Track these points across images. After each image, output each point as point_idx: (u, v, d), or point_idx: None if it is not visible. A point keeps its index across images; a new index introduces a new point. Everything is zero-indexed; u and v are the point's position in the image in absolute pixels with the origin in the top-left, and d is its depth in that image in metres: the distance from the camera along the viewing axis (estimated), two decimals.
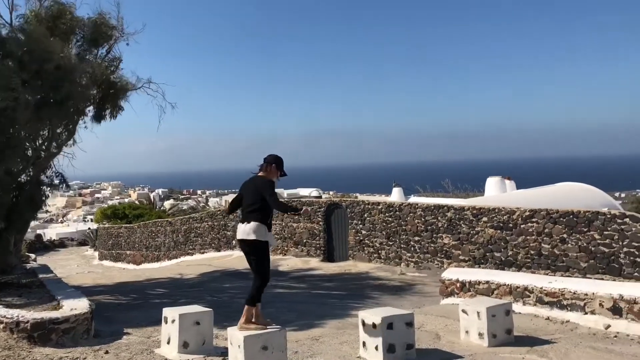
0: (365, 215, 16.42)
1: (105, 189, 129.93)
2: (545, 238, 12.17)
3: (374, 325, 5.90)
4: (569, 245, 11.75)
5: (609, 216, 11.28)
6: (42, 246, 39.97)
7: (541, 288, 7.87)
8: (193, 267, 18.78)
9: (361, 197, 28.40)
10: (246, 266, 18.29)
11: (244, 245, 5.63)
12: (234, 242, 21.20)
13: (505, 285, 8.29)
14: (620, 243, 11.00)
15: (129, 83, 12.03)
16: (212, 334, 6.62)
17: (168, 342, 6.44)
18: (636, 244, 10.72)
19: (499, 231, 13.02)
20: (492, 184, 21.12)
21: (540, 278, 8.58)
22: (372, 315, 6.01)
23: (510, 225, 12.79)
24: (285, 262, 17.51)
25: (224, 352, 6.13)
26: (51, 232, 48.65)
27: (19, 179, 10.99)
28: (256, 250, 5.60)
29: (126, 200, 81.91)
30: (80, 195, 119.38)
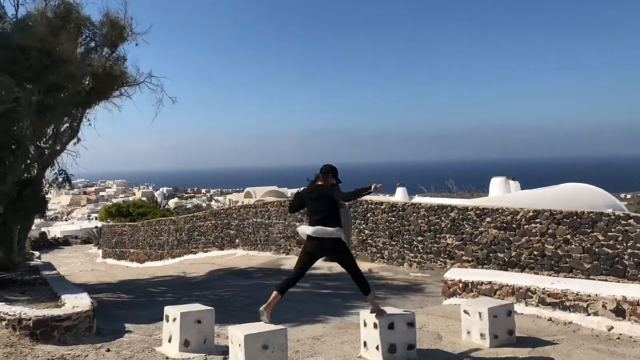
0: (369, 214, 16.40)
1: (109, 187, 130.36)
2: (548, 239, 12.13)
3: (375, 325, 5.90)
4: (573, 246, 11.71)
5: (613, 217, 11.23)
6: (47, 244, 40.11)
7: (544, 289, 7.84)
8: (196, 265, 18.81)
9: (365, 197, 28.36)
10: (248, 265, 18.40)
11: (328, 245, 5.98)
12: (236, 240, 21.24)
13: (507, 285, 8.26)
14: (625, 244, 10.95)
15: (130, 76, 12.02)
16: (214, 332, 6.63)
17: (169, 341, 6.46)
18: None
19: (502, 232, 12.99)
20: (496, 184, 21.07)
21: (543, 279, 8.55)
22: (373, 314, 6.01)
23: (514, 225, 12.76)
24: (288, 261, 17.51)
25: (225, 350, 6.14)
26: (56, 230, 48.81)
27: (22, 177, 11.03)
28: (346, 250, 6.20)
29: (130, 198, 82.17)
30: (85, 193, 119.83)
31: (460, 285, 8.89)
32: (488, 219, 13.30)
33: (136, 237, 28.49)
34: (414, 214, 15.20)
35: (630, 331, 6.81)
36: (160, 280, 15.52)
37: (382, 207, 16.18)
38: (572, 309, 7.48)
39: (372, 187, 5.79)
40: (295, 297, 11.45)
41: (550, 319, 7.57)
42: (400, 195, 25.28)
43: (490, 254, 13.19)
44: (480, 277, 8.73)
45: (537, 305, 7.87)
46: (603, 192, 18.20)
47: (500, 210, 13.11)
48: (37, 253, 22.98)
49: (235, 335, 5.45)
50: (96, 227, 41.76)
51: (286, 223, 19.04)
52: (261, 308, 5.94)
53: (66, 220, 73.65)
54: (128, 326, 7.96)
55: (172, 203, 57.40)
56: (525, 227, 12.56)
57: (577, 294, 7.46)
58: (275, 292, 6.07)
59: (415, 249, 15.09)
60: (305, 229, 6.08)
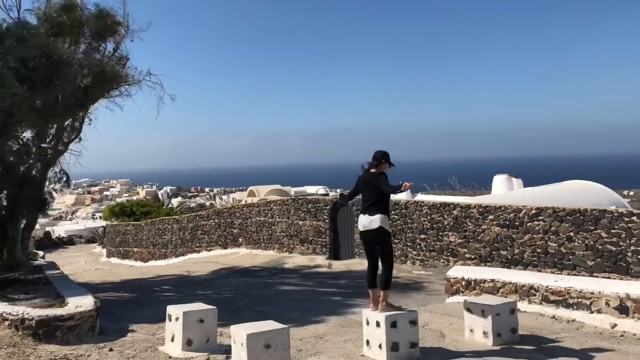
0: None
1: (113, 187, 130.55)
2: (551, 236, 12.10)
3: (377, 324, 5.89)
4: (576, 243, 11.68)
5: (616, 214, 11.19)
6: (51, 243, 40.21)
7: (547, 287, 7.82)
8: (200, 264, 18.83)
9: None
10: (251, 264, 18.37)
11: (370, 234, 6.14)
12: (240, 239, 21.25)
13: (510, 283, 8.25)
14: (628, 241, 10.91)
15: (130, 75, 12.02)
16: (216, 331, 6.64)
17: (172, 340, 6.47)
18: None
19: (505, 229, 12.95)
20: (499, 182, 21.05)
21: (546, 277, 8.52)
22: (375, 313, 6.00)
23: (517, 223, 12.73)
24: (291, 260, 17.51)
25: (227, 349, 6.14)
26: (60, 230, 48.91)
27: (25, 176, 11.05)
28: (383, 239, 6.16)
29: (134, 197, 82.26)
30: (89, 192, 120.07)
31: (463, 283, 8.88)
32: (491, 217, 13.27)
33: (140, 237, 28.54)
34: (417, 212, 15.17)
35: (634, 328, 6.79)
36: (163, 279, 15.55)
37: None
38: (575, 307, 7.46)
39: (403, 185, 5.97)
40: (298, 296, 11.48)
41: (553, 317, 7.55)
42: (403, 193, 25.20)
43: (493, 252, 13.16)
44: (483, 275, 8.72)
45: (541, 303, 7.86)
46: (606, 189, 18.14)
47: (502, 208, 13.07)
48: (41, 252, 23.02)
49: (238, 334, 5.45)
50: (103, 227, 41.91)
51: (289, 222, 19.04)
52: (376, 311, 6.05)
53: (70, 219, 73.80)
54: (131, 325, 7.98)
55: (175, 202, 57.47)
56: (528, 224, 12.52)
57: (580, 292, 7.44)
58: (370, 292, 6.28)
59: (418, 246, 15.07)
60: (359, 222, 6.30)
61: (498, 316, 6.46)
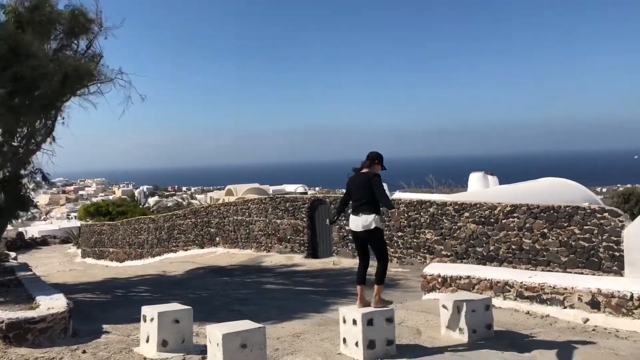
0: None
1: (89, 186, 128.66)
2: (526, 233, 12.25)
3: (354, 322, 5.89)
4: (550, 239, 11.85)
5: (588, 211, 11.38)
6: (24, 244, 39.43)
7: (521, 283, 7.93)
8: (176, 264, 18.67)
9: None
10: (228, 263, 18.25)
11: (365, 234, 6.20)
12: (217, 238, 21.12)
13: (486, 280, 8.33)
14: (600, 237, 11.10)
15: (102, 73, 11.80)
16: (192, 331, 6.57)
17: (147, 341, 6.39)
18: (615, 239, 10.83)
19: (480, 226, 13.08)
20: (475, 179, 21.24)
21: (521, 273, 8.63)
22: (353, 311, 6.00)
23: (492, 220, 12.86)
24: (268, 258, 17.47)
25: (203, 350, 6.08)
26: (34, 230, 47.99)
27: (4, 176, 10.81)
28: (377, 238, 6.25)
29: (110, 197, 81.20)
30: (63, 192, 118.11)
31: (439, 280, 8.94)
32: (466, 214, 13.39)
33: (115, 236, 28.18)
34: (394, 210, 15.24)
35: (605, 323, 6.91)
36: (139, 279, 15.38)
37: None
38: (549, 302, 7.57)
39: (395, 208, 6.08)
40: (276, 295, 11.45)
41: (527, 313, 7.65)
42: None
43: (469, 249, 13.29)
44: (458, 272, 8.79)
45: (515, 299, 7.95)
46: (580, 186, 18.42)
47: (478, 205, 13.20)
48: (13, 254, 22.52)
49: (214, 334, 5.40)
50: (78, 227, 41.25)
51: (267, 220, 18.98)
52: (362, 308, 6.10)
53: (45, 219, 72.51)
54: (105, 327, 7.86)
55: (152, 201, 56.85)
56: (503, 221, 12.67)
57: (553, 287, 7.55)
58: (358, 288, 6.32)
59: (395, 244, 15.14)
60: (350, 223, 6.35)
61: (473, 312, 6.51)
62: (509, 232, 12.54)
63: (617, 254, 10.75)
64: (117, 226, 28.39)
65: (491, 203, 13.03)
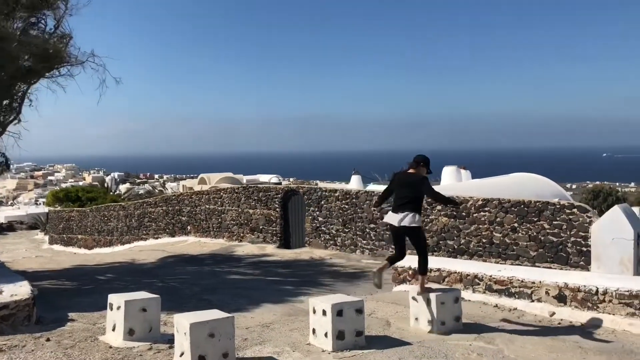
0: (322, 202, 16.39)
1: (58, 172, 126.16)
2: (497, 227, 12.39)
3: (324, 312, 5.87)
4: (520, 234, 12.01)
5: (558, 206, 11.55)
6: None
7: (490, 276, 8.01)
8: (146, 252, 18.42)
9: (321, 184, 28.43)
10: (200, 252, 18.07)
11: (406, 230, 6.55)
12: (188, 227, 20.90)
13: (456, 273, 8.40)
14: (568, 233, 11.29)
15: (72, 55, 11.47)
16: (159, 320, 6.47)
17: (113, 329, 6.27)
18: (583, 234, 11.02)
19: (452, 220, 13.19)
20: (448, 173, 21.44)
21: (490, 266, 8.73)
22: (323, 302, 5.98)
23: (464, 214, 12.98)
24: (240, 248, 17.36)
25: (171, 339, 5.99)
26: None
27: None
28: (418, 235, 6.70)
29: (80, 183, 79.84)
30: (32, 177, 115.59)
31: (410, 272, 8.99)
32: (438, 207, 13.48)
33: (84, 223, 27.70)
34: (367, 202, 15.27)
35: (571, 316, 7.03)
36: (107, 267, 15.13)
37: (336, 194, 16.19)
38: (517, 296, 7.67)
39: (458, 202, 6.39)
40: (246, 284, 11.38)
41: (496, 306, 7.74)
42: (355, 183, 25.38)
43: (440, 242, 13.39)
44: (429, 265, 8.82)
45: (484, 292, 8.04)
46: (550, 181, 18.73)
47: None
48: None
49: (181, 323, 5.32)
50: (46, 213, 40.39)
51: (240, 210, 18.84)
52: (375, 270, 6.74)
53: (12, 205, 70.85)
54: (71, 315, 7.68)
55: (123, 188, 56.10)
56: (474, 215, 12.79)
57: (522, 281, 7.65)
58: (385, 262, 6.83)
59: (367, 236, 15.19)
60: (390, 219, 6.67)
61: (442, 305, 6.56)
62: (480, 226, 12.67)
63: (585, 249, 10.96)
64: (86, 213, 27.90)
65: (463, 197, 13.13)
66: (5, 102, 11.09)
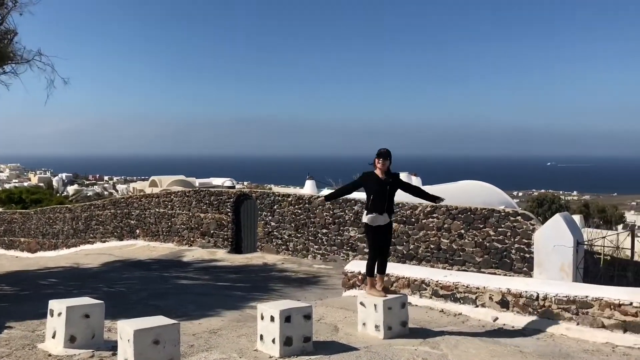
0: (275, 207, 16.36)
1: (1, 172, 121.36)
2: (444, 233, 12.66)
3: (272, 318, 5.85)
4: (466, 240, 12.30)
5: (503, 214, 11.90)
6: None
7: (437, 281, 8.16)
8: (92, 256, 17.93)
9: (275, 189, 28.37)
10: (148, 256, 17.71)
11: (386, 228, 6.78)
12: (137, 231, 20.47)
13: (403, 278, 8.52)
14: (512, 239, 11.64)
15: (17, 54, 11.10)
16: (103, 327, 6.30)
17: (53, 337, 6.06)
18: (526, 241, 11.39)
19: (402, 225, 13.40)
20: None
21: (437, 272, 8.89)
22: (271, 308, 5.95)
23: (413, 219, 13.20)
24: (190, 253, 17.12)
25: (114, 346, 5.84)
26: None
27: None
28: (392, 231, 7.04)
29: (25, 184, 77.03)
30: None
31: (360, 277, 9.06)
32: None
33: (28, 226, 26.71)
34: (320, 207, 15.34)
35: (513, 321, 7.23)
36: (51, 271, 14.66)
37: (289, 199, 16.19)
38: (462, 301, 7.84)
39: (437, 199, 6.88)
40: (195, 290, 11.23)
41: (442, 311, 7.88)
42: (309, 188, 25.40)
43: (390, 247, 13.56)
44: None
45: (431, 297, 8.18)
46: (497, 189, 19.28)
47: (400, 205, 13.49)
48: None
49: (125, 330, 5.20)
50: None
51: (190, 214, 18.58)
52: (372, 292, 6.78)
53: None
54: (9, 322, 7.40)
55: (71, 190, 54.57)
56: (423, 221, 13.03)
57: (467, 287, 7.82)
58: (369, 279, 6.90)
59: (319, 241, 15.25)
60: (377, 220, 6.69)
61: (389, 310, 6.64)
62: (429, 232, 12.92)
63: (528, 255, 11.32)
64: (30, 215, 26.92)
65: (412, 203, 13.36)
66: None
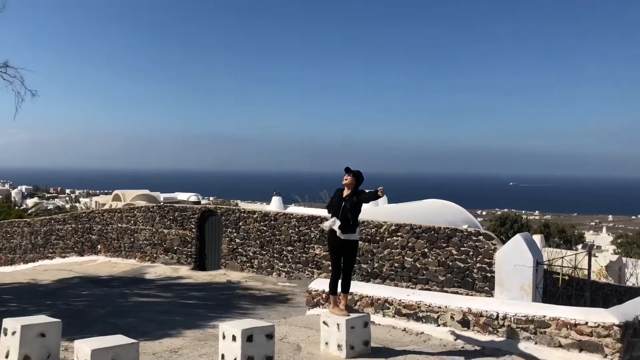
0: (240, 223, 16.25)
1: None
2: (408, 252, 12.79)
3: (233, 338, 5.79)
4: (430, 259, 12.44)
5: (465, 233, 12.10)
6: None
7: (400, 300, 8.21)
8: (51, 272, 17.44)
9: (242, 204, 28.18)
10: (109, 273, 17.31)
11: (351, 246, 6.82)
12: (99, 246, 20.04)
13: (367, 297, 8.55)
14: (475, 259, 11.83)
15: None
16: (59, 347, 6.12)
17: (7, 357, 5.86)
18: (487, 260, 11.59)
19: (367, 243, 13.47)
20: None
21: (400, 291, 8.95)
22: (233, 327, 5.89)
23: (378, 238, 13.30)
24: (153, 269, 16.82)
25: None
26: None
27: None
28: (355, 249, 7.06)
29: None
30: None
31: (324, 295, 9.05)
32: None
33: None
34: (286, 224, 15.31)
35: (474, 341, 7.32)
36: (5, 287, 14.18)
37: (255, 216, 16.12)
38: (424, 320, 7.91)
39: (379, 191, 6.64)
40: (157, 308, 11.03)
41: (404, 330, 7.93)
42: (275, 204, 25.34)
43: (355, 265, 13.61)
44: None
45: (394, 316, 8.23)
46: (460, 208, 19.59)
47: (366, 223, 13.58)
48: None
49: (82, 349, 5.07)
50: None
51: (153, 229, 18.30)
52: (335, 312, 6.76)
53: None
54: None
55: (31, 203, 53.12)
56: (387, 239, 13.14)
57: (429, 306, 7.90)
58: (332, 297, 6.95)
59: (284, 258, 15.19)
60: (350, 235, 6.74)
61: (352, 329, 6.65)
62: (393, 250, 13.02)
63: (489, 274, 11.51)
64: None
65: (377, 221, 13.47)
66: None
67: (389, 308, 8.30)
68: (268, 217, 15.86)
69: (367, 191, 6.93)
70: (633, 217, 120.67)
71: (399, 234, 12.98)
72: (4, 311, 9.03)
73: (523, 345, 6.91)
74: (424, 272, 12.50)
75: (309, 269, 14.60)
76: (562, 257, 12.48)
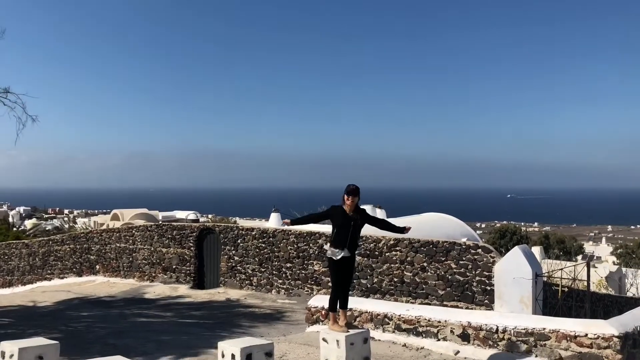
0: (239, 241, 16.23)
1: None
2: (407, 266, 12.76)
3: (232, 357, 5.77)
4: (429, 273, 12.42)
5: (464, 247, 12.09)
6: None
7: (399, 315, 8.19)
8: (50, 293, 17.37)
9: (240, 222, 28.16)
10: (108, 293, 17.24)
11: (349, 263, 6.80)
12: (97, 266, 19.97)
13: (367, 312, 8.53)
14: (474, 272, 11.81)
15: None
16: None
17: None
18: (487, 273, 11.57)
19: (365, 259, 13.45)
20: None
21: (399, 306, 8.92)
22: (232, 345, 5.87)
23: (376, 253, 13.28)
24: (152, 289, 16.75)
25: None
26: None
27: None
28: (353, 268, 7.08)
29: None
30: None
31: (323, 312, 9.02)
32: None
33: None
34: (284, 241, 15.29)
35: (474, 354, 7.30)
36: (4, 310, 14.11)
37: (253, 233, 16.10)
38: (424, 335, 7.88)
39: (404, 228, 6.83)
40: (156, 328, 10.97)
41: (404, 345, 7.90)
42: (274, 221, 25.28)
43: (354, 281, 13.57)
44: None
45: (394, 332, 8.20)
46: (459, 221, 19.59)
47: (364, 238, 13.57)
48: None
49: None
50: None
51: (152, 248, 18.26)
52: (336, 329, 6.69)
53: None
54: None
55: (29, 224, 52.96)
56: (386, 254, 13.12)
57: (429, 320, 7.88)
58: (331, 314, 6.85)
59: (284, 275, 15.15)
60: (338, 254, 6.71)
61: (352, 345, 6.62)
62: (392, 265, 13.00)
63: (489, 288, 11.49)
64: None
65: (376, 236, 13.45)
66: None
67: (388, 323, 8.27)
68: (266, 233, 15.85)
69: (381, 218, 7.01)
70: (632, 227, 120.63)
71: (397, 248, 12.97)
72: (1, 334, 8.97)
73: (523, 359, 6.89)
74: (424, 286, 12.46)
75: (309, 285, 14.56)
76: (562, 269, 12.46)
